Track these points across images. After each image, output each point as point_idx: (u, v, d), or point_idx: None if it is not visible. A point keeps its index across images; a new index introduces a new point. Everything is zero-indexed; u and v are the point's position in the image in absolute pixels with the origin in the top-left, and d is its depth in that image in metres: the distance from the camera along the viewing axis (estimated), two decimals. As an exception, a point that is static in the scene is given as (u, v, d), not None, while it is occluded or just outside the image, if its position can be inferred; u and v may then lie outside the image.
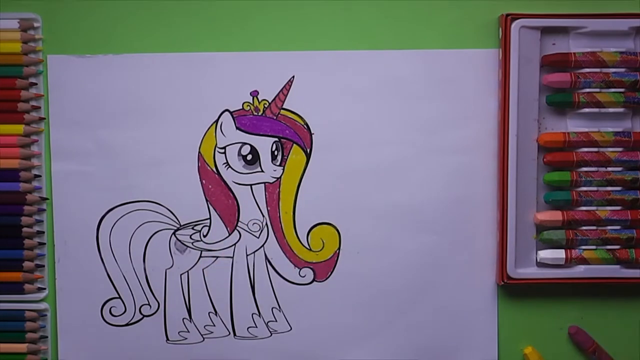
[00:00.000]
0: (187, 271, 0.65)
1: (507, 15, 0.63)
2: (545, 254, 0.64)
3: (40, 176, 0.65)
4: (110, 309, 0.66)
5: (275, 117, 0.65)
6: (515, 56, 0.62)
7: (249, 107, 0.65)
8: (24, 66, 0.64)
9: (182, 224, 0.65)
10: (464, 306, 0.65)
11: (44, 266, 0.65)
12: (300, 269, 0.65)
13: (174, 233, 0.65)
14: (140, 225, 0.65)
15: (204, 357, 0.66)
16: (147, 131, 0.64)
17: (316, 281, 0.65)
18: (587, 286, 0.65)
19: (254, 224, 0.65)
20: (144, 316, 0.66)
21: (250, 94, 0.64)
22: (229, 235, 0.65)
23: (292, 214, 0.65)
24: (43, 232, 0.65)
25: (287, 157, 0.65)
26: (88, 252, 0.65)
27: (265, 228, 0.65)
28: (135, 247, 0.65)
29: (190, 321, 0.66)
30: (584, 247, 0.64)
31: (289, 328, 0.66)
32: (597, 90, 0.63)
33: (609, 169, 0.64)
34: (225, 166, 0.65)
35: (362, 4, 0.64)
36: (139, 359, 0.66)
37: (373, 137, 0.65)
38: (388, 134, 0.65)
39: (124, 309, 0.66)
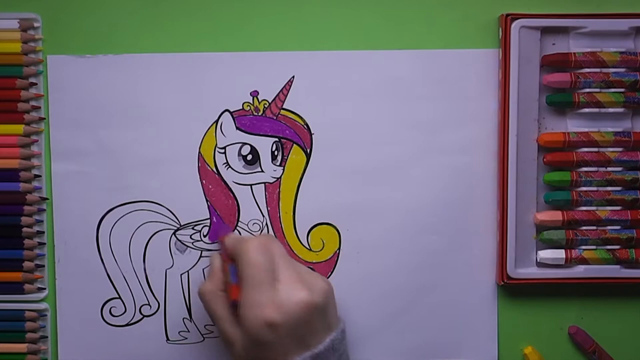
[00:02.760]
0: (187, 271, 0.65)
1: (507, 15, 0.63)
2: (545, 254, 0.64)
3: (40, 176, 0.65)
4: (110, 309, 0.66)
5: (275, 117, 0.65)
6: (515, 56, 0.62)
7: (249, 107, 0.65)
8: (24, 66, 0.64)
9: (182, 224, 0.65)
10: (464, 306, 0.65)
11: (44, 266, 0.65)
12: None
13: (174, 233, 0.65)
14: (140, 225, 0.65)
15: (204, 357, 0.66)
16: (147, 131, 0.65)
17: (316, 281, 0.65)
18: (587, 286, 0.65)
19: (254, 224, 0.65)
20: (144, 316, 0.66)
21: (250, 94, 0.65)
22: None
23: (292, 214, 0.65)
24: (43, 232, 0.65)
25: (287, 157, 0.65)
26: (88, 252, 0.65)
27: (266, 228, 0.65)
28: (135, 247, 0.65)
29: (191, 321, 0.66)
30: (584, 247, 0.64)
31: (289, 328, 0.66)
32: (597, 90, 0.63)
33: (609, 169, 0.64)
34: (225, 166, 0.65)
35: (362, 4, 0.64)
36: (139, 359, 0.66)
37: (373, 137, 0.65)
38: (388, 134, 0.65)
39: (124, 309, 0.66)
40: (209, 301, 0.60)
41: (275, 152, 0.65)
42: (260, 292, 0.56)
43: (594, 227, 0.64)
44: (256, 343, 0.56)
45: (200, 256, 0.65)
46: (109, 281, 0.65)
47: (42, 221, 0.65)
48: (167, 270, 0.65)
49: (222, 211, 0.65)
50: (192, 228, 0.65)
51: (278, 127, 0.65)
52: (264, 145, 0.65)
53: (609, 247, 0.64)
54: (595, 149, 0.63)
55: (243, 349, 0.57)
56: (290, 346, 0.56)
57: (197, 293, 0.61)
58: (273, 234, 0.65)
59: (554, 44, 0.64)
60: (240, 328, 0.57)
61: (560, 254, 0.64)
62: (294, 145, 0.65)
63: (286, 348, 0.56)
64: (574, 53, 0.63)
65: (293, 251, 0.65)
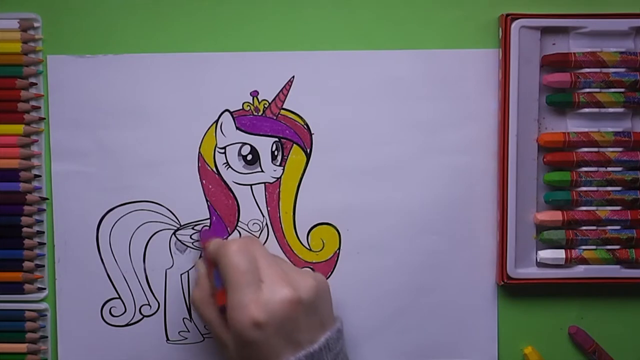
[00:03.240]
0: (187, 271, 0.65)
1: (507, 15, 0.63)
2: (545, 254, 0.64)
3: (40, 176, 0.65)
4: (110, 309, 0.66)
5: (275, 117, 0.65)
6: (515, 56, 0.62)
7: (249, 107, 0.65)
8: (24, 66, 0.64)
9: (182, 224, 0.65)
10: (464, 306, 0.65)
11: (44, 266, 0.65)
12: (301, 269, 0.65)
13: (174, 233, 0.65)
14: (141, 225, 0.65)
15: (204, 357, 0.66)
16: (147, 131, 0.65)
17: (316, 281, 0.65)
18: (587, 286, 0.65)
19: (254, 224, 0.65)
20: (144, 316, 0.66)
21: (250, 94, 0.65)
22: (229, 235, 0.65)
23: (292, 214, 0.65)
24: (43, 232, 0.65)
25: (287, 157, 0.65)
26: (88, 252, 0.65)
27: (266, 228, 0.65)
28: (135, 247, 0.65)
29: (191, 321, 0.66)
30: (584, 247, 0.64)
31: (289, 328, 0.66)
32: (597, 90, 0.63)
33: (609, 169, 0.64)
34: (225, 166, 0.65)
35: (362, 4, 0.64)
36: (139, 359, 0.66)
37: (373, 137, 0.65)
38: (388, 134, 0.65)
39: (124, 309, 0.66)
40: (199, 308, 0.61)
41: (275, 152, 0.65)
42: (244, 294, 0.56)
43: (594, 227, 0.64)
44: (245, 344, 0.56)
45: (200, 256, 0.65)
46: (109, 281, 0.65)
47: (42, 221, 0.65)
48: (167, 270, 0.66)
49: (222, 211, 0.65)
50: (192, 228, 0.65)
51: (278, 127, 0.65)
52: (264, 145, 0.65)
53: (609, 247, 0.64)
54: (595, 149, 0.63)
55: (235, 351, 0.58)
56: (280, 345, 0.56)
57: (190, 300, 0.62)
58: (273, 234, 0.65)
59: (554, 44, 0.64)
60: (230, 331, 0.57)
61: (560, 254, 0.64)
62: (294, 145, 0.65)
63: (276, 347, 0.56)
64: (574, 53, 0.63)
65: (293, 251, 0.65)
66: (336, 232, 0.65)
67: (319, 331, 0.58)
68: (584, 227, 0.64)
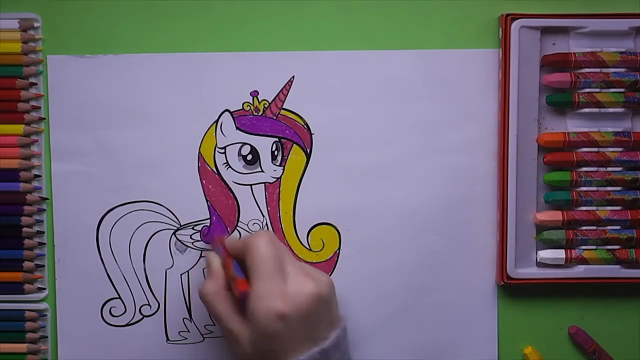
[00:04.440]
0: (187, 271, 0.65)
1: (507, 15, 0.63)
2: (545, 254, 0.64)
3: (40, 176, 0.65)
4: (110, 309, 0.66)
5: (275, 117, 0.65)
6: (515, 56, 0.62)
7: (249, 107, 0.65)
8: (24, 66, 0.64)
9: (182, 224, 0.65)
10: (464, 306, 0.65)
11: (44, 266, 0.65)
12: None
13: (174, 233, 0.65)
14: (141, 225, 0.65)
15: (204, 357, 0.66)
16: (147, 131, 0.65)
17: (316, 281, 0.65)
18: (587, 286, 0.65)
19: (254, 224, 0.65)
20: (144, 316, 0.66)
21: (250, 94, 0.65)
22: (229, 235, 0.65)
23: (292, 214, 0.65)
24: (43, 232, 0.65)
25: (287, 157, 0.65)
26: (88, 252, 0.65)
27: (266, 228, 0.65)
28: (135, 247, 0.65)
29: (191, 321, 0.66)
30: (584, 247, 0.64)
31: (289, 328, 0.66)
32: (597, 90, 0.63)
33: (609, 169, 0.64)
34: (226, 166, 0.65)
35: (362, 4, 0.64)
36: (139, 359, 0.66)
37: (373, 137, 0.65)
38: (388, 134, 0.65)
39: (124, 309, 0.66)
40: (213, 301, 0.60)
41: (275, 152, 0.65)
42: (272, 284, 0.57)
43: (594, 227, 0.64)
44: (265, 336, 0.56)
45: (200, 256, 0.65)
46: (109, 281, 0.65)
47: (42, 221, 0.65)
48: (167, 270, 0.65)
49: (222, 211, 0.65)
50: (192, 228, 0.65)
51: (278, 127, 0.65)
52: (264, 145, 0.65)
53: (609, 247, 0.64)
54: (595, 149, 0.63)
55: (251, 344, 0.57)
56: (299, 339, 0.56)
57: (199, 295, 0.61)
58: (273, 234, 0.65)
59: (554, 44, 0.64)
60: (248, 323, 0.57)
61: (560, 254, 0.64)
62: (294, 145, 0.65)
63: (294, 341, 0.56)
64: (574, 53, 0.63)
65: (293, 251, 0.65)
66: (336, 232, 0.65)
67: (330, 328, 0.58)
68: (584, 227, 0.64)
